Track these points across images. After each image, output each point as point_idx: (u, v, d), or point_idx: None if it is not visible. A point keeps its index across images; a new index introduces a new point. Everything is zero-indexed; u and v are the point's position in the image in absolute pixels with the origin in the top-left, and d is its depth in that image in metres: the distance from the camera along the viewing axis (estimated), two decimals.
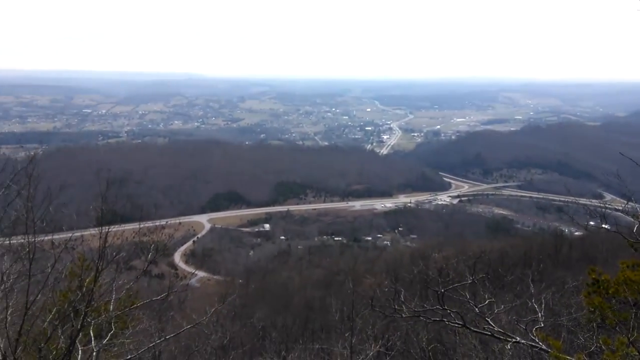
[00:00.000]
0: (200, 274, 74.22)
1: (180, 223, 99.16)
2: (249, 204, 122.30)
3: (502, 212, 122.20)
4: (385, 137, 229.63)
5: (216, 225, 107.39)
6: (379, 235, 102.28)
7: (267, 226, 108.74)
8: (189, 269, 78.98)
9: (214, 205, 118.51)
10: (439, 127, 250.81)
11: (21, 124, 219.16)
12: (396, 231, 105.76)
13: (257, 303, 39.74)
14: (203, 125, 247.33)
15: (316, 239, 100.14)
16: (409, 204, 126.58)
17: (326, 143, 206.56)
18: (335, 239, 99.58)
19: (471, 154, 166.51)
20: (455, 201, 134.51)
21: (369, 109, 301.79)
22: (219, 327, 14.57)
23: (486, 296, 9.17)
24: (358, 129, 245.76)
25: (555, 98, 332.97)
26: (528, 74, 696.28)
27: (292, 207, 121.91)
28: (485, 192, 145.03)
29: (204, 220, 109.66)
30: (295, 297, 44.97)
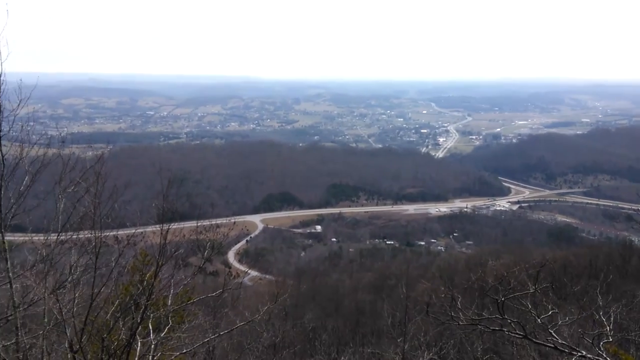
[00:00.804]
0: (253, 273, 75.65)
1: (234, 222, 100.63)
2: (301, 205, 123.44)
3: (565, 219, 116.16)
4: (441, 139, 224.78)
5: (269, 226, 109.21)
6: (432, 240, 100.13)
7: (318, 228, 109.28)
8: (242, 267, 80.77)
9: (267, 205, 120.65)
10: (499, 129, 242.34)
11: (89, 124, 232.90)
12: (451, 237, 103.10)
13: (308, 304, 39.97)
14: (258, 127, 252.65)
15: (368, 242, 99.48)
16: (465, 209, 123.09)
17: (380, 145, 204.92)
18: (388, 242, 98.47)
19: (533, 158, 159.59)
20: (515, 207, 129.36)
21: (424, 111, 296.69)
22: (270, 326, 14.73)
23: (549, 307, 8.69)
24: (413, 131, 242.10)
25: (627, 100, 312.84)
26: (597, 75, 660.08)
27: (344, 210, 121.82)
28: (548, 199, 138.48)
29: (257, 220, 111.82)
30: (345, 300, 44.86)
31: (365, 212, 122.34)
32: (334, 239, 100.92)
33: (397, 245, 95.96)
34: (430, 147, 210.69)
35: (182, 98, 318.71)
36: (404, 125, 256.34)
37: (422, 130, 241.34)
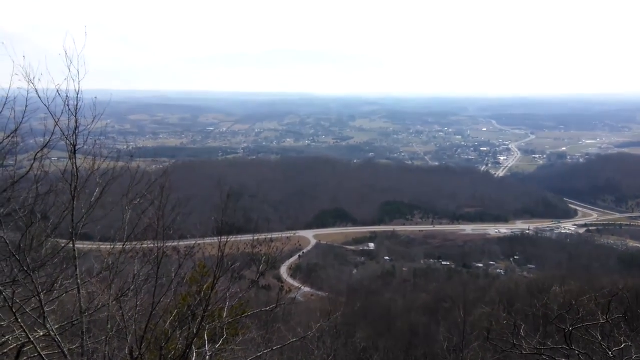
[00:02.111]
0: (304, 288, 75.79)
1: (287, 237, 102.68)
2: (355, 222, 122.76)
3: (638, 245, 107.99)
4: (502, 158, 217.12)
5: (321, 242, 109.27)
6: (491, 263, 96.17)
7: (371, 245, 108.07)
8: (295, 282, 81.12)
9: (320, 221, 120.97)
10: (564, 149, 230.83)
11: (154, 139, 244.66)
12: (511, 259, 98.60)
13: (359, 323, 39.39)
14: (313, 143, 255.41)
15: (422, 262, 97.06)
16: (527, 231, 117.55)
17: (437, 163, 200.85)
18: (443, 263, 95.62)
19: (602, 179, 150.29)
20: (581, 230, 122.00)
21: (484, 129, 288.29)
22: (322, 343, 14.61)
23: (621, 339, 8.08)
24: (472, 149, 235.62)
25: None
26: None
27: (398, 228, 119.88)
28: (618, 222, 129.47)
29: (310, 236, 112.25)
30: (398, 321, 43.81)
31: (420, 231, 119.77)
32: (387, 258, 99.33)
33: (453, 266, 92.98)
34: (490, 165, 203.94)
35: (240, 114, 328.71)
36: (463, 143, 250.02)
37: (481, 149, 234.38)
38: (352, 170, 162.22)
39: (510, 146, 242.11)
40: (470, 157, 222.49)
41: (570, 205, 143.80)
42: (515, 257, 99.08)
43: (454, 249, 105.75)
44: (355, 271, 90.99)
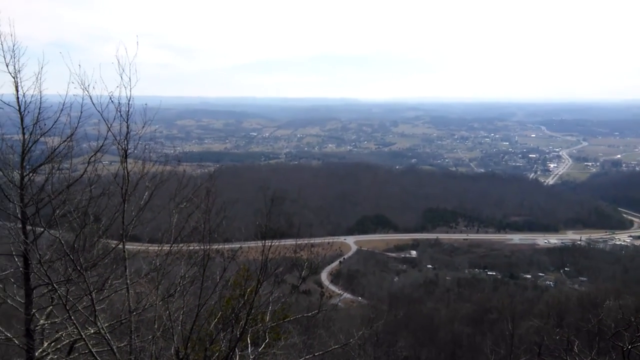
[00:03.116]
0: (345, 295, 75.38)
1: (328, 243, 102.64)
2: (396, 229, 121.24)
3: None
4: (551, 165, 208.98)
5: (362, 248, 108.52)
6: (540, 274, 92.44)
7: (413, 253, 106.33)
8: (335, 288, 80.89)
9: (361, 227, 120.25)
10: (619, 156, 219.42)
11: (199, 144, 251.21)
12: (561, 271, 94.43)
13: (400, 331, 38.74)
14: (355, 149, 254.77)
15: (466, 271, 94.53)
16: (579, 242, 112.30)
17: (482, 170, 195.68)
18: (489, 273, 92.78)
19: None
20: (637, 242, 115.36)
21: (533, 135, 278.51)
22: (363, 351, 14.43)
23: None
24: (520, 156, 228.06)
25: None
26: None
27: (442, 236, 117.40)
28: None
29: (351, 242, 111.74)
30: (441, 331, 42.80)
31: (464, 239, 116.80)
32: (429, 266, 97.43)
33: (499, 276, 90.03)
34: (539, 173, 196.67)
35: (283, 120, 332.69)
36: (510, 150, 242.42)
37: (530, 155, 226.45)
38: (394, 176, 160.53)
39: (560, 153, 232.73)
40: (518, 164, 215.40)
41: (625, 215, 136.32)
42: (566, 269, 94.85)
43: (500, 258, 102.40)
44: (396, 278, 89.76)
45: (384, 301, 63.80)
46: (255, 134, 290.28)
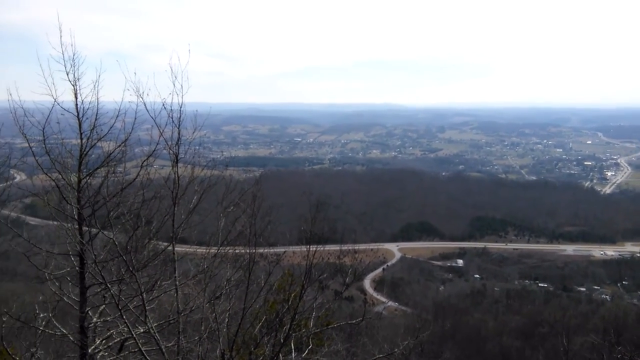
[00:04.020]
0: (389, 302, 74.36)
1: (371, 249, 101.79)
2: (442, 237, 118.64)
3: None
4: (609, 173, 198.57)
5: (406, 255, 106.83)
6: (595, 287, 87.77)
7: (460, 262, 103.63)
8: (378, 296, 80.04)
9: (405, 234, 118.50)
10: None
11: (244, 149, 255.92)
12: (619, 285, 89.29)
13: (446, 342, 37.83)
14: (400, 155, 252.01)
15: (516, 282, 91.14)
16: (638, 254, 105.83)
17: (534, 177, 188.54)
18: (540, 284, 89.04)
19: None
20: None
21: (589, 141, 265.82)
22: None
23: None
24: (574, 163, 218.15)
25: None
26: None
27: (490, 245, 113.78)
28: None
29: (395, 249, 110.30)
30: (488, 343, 41.49)
31: (514, 249, 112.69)
32: (476, 276, 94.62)
33: (551, 288, 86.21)
34: (595, 181, 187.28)
35: (327, 126, 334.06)
36: (564, 157, 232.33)
37: (585, 163, 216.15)
38: (440, 182, 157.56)
39: (618, 160, 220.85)
40: (572, 171, 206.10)
41: None
42: (624, 283, 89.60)
43: (553, 270, 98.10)
44: (442, 288, 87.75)
45: (428, 311, 62.50)
46: (299, 139, 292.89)
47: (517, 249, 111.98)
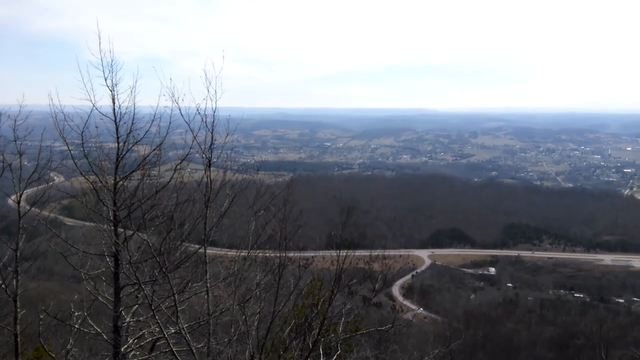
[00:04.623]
0: (417, 310, 73.39)
1: (400, 255, 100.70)
2: (473, 244, 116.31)
3: None
4: None
5: (436, 262, 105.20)
6: (635, 299, 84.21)
7: (492, 270, 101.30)
8: (407, 302, 79.09)
9: (435, 241, 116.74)
10: None
11: (274, 154, 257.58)
12: None
13: (476, 351, 37.04)
14: (431, 160, 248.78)
15: (551, 292, 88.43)
16: None
17: (570, 184, 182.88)
18: (575, 295, 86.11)
19: None
20: None
21: (629, 148, 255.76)
22: None
23: None
24: (613, 170, 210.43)
25: None
26: None
27: (524, 253, 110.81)
28: None
29: (424, 256, 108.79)
30: (521, 354, 40.42)
31: (548, 257, 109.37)
32: (509, 284, 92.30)
33: (587, 299, 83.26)
34: (635, 189, 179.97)
35: (357, 130, 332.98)
36: (602, 163, 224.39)
37: (624, 170, 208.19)
38: (472, 189, 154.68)
39: None
40: (610, 178, 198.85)
41: None
42: None
43: (589, 280, 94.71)
44: (473, 296, 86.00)
45: (459, 319, 61.40)
46: (329, 144, 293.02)
47: (551, 258, 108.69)
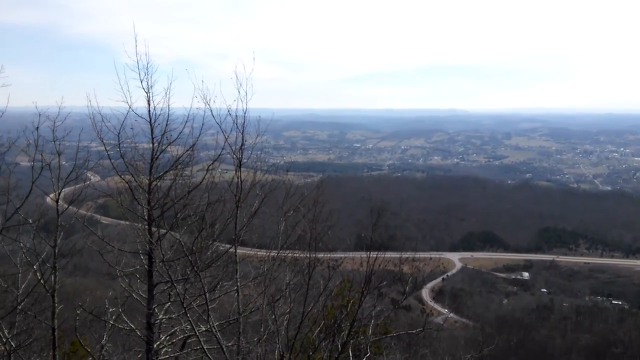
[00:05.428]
0: (450, 314, 72.20)
1: (431, 258, 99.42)
2: (506, 248, 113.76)
3: None
4: None
5: (467, 266, 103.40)
6: None
7: (525, 274, 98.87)
8: (437, 306, 77.99)
9: (466, 244, 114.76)
10: None
11: (303, 155, 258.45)
12: None
13: (509, 358, 36.17)
14: (462, 162, 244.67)
15: (587, 298, 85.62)
16: None
17: (608, 187, 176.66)
18: (613, 302, 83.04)
19: None
20: None
21: None
22: None
23: None
24: None
25: None
26: None
27: (559, 258, 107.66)
28: None
29: (455, 259, 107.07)
30: None
31: (585, 262, 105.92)
32: (543, 290, 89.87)
33: (625, 306, 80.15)
34: None
35: (387, 132, 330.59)
36: None
37: None
38: (505, 191, 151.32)
39: None
40: None
41: None
42: None
43: (629, 286, 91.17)
44: (505, 301, 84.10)
45: (491, 324, 60.10)
46: (358, 145, 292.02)
47: (588, 263, 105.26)
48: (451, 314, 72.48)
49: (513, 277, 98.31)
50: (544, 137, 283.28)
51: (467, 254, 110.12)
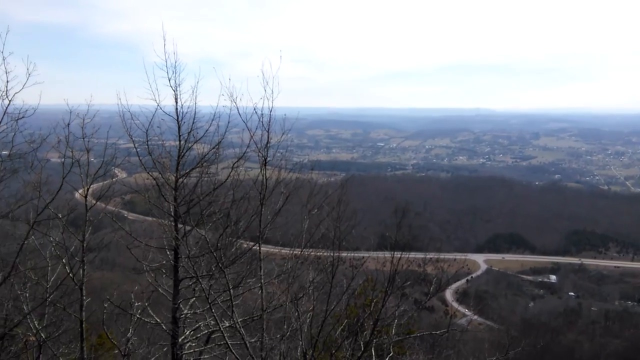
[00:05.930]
0: (474, 316, 71.15)
1: (455, 259, 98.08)
2: (533, 250, 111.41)
3: None
4: None
5: (492, 267, 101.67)
6: None
7: (553, 277, 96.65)
8: (460, 308, 76.89)
9: (492, 245, 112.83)
10: None
11: (326, 153, 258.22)
12: None
13: None
14: (488, 162, 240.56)
15: (617, 302, 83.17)
16: None
17: None
18: None
19: None
20: None
21: None
22: None
23: None
24: None
25: None
26: None
27: (588, 261, 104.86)
28: None
29: (480, 260, 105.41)
30: None
31: (615, 266, 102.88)
32: (571, 293, 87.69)
33: None
34: None
35: (411, 131, 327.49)
36: None
37: None
38: (532, 192, 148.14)
39: None
40: None
41: None
42: None
43: None
44: (531, 304, 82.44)
45: (516, 327, 58.92)
46: (382, 144, 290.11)
47: (618, 267, 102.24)
48: (475, 316, 71.42)
49: (540, 279, 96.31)
50: (573, 138, 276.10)
51: (493, 256, 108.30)
